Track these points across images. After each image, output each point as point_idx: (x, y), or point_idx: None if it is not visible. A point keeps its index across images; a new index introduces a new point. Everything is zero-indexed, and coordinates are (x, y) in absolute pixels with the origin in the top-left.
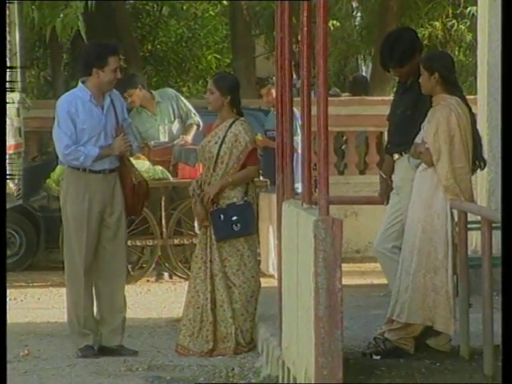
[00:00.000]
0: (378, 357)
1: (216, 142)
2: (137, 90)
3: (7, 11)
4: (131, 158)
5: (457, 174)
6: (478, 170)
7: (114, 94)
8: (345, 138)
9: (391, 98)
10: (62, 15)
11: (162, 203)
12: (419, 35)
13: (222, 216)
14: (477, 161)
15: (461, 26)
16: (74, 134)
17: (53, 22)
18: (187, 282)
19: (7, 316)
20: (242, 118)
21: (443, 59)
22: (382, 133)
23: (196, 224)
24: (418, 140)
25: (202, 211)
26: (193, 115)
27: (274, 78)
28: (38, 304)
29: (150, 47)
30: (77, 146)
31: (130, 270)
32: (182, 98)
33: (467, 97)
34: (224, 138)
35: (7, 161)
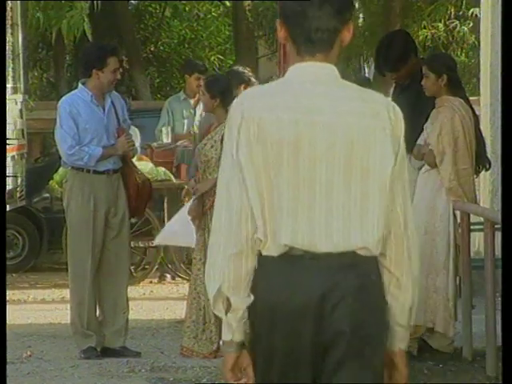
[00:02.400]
0: None
1: (212, 146)
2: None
3: (11, 12)
4: (133, 159)
5: (460, 176)
6: (484, 170)
7: (114, 95)
8: None
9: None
10: (67, 16)
11: (165, 204)
12: (421, 36)
13: None
14: (481, 161)
15: (463, 27)
16: (77, 135)
17: (58, 23)
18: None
19: (10, 317)
20: None
21: (448, 61)
22: None
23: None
24: (420, 141)
25: (194, 208)
26: None
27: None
28: (41, 305)
29: (152, 48)
30: (80, 146)
31: (132, 271)
32: None
33: (470, 98)
34: (221, 141)
35: (10, 162)
